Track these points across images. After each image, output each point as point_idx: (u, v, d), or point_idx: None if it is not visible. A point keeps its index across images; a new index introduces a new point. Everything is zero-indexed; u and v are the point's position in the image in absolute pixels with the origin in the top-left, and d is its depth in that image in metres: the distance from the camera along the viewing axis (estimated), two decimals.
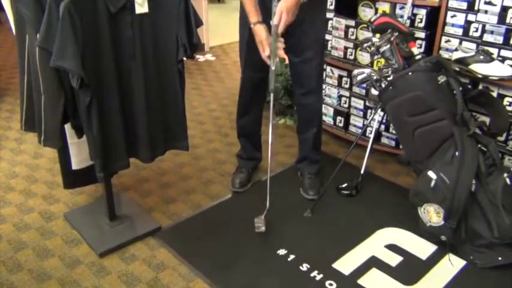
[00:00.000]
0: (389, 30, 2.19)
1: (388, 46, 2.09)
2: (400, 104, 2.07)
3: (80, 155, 2.06)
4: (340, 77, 2.95)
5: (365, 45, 2.24)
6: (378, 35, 2.30)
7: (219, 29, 5.36)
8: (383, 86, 2.16)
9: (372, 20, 2.25)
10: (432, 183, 1.94)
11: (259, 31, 2.02)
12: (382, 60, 2.42)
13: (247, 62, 2.32)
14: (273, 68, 1.99)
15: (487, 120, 2.29)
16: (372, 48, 2.21)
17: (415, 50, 2.19)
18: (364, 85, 2.76)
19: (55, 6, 1.49)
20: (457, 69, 2.30)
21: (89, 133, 1.68)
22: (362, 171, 2.48)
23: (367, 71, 2.15)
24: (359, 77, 2.17)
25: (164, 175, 2.67)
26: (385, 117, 2.61)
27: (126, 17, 1.58)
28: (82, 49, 1.50)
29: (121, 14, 1.56)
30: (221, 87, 4.08)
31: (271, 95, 2.06)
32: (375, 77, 2.16)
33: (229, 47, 5.15)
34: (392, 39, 2.10)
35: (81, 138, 1.87)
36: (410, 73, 2.03)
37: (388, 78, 2.15)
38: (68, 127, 1.91)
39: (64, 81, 1.63)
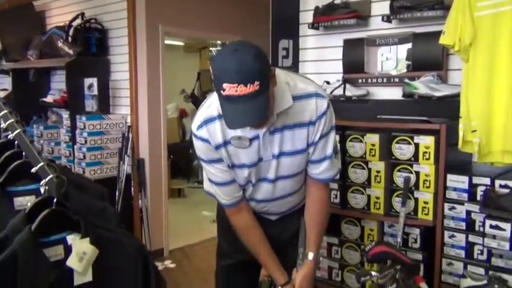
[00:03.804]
0: (389, 262, 1.85)
1: (395, 286, 1.71)
2: None
3: None
4: None
5: (362, 279, 1.87)
6: (375, 266, 1.96)
7: (180, 229, 4.96)
8: None
9: (366, 249, 1.92)
10: None
11: None
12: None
13: None
14: None
15: None
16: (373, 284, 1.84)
17: (424, 286, 1.83)
18: None
19: None
20: None
21: None
22: None
23: None
24: None
25: None
26: None
27: None
28: None
29: None
30: None
31: None
32: None
33: (192, 250, 4.67)
34: (397, 276, 1.74)
35: None
36: None
37: None
38: None
39: None
